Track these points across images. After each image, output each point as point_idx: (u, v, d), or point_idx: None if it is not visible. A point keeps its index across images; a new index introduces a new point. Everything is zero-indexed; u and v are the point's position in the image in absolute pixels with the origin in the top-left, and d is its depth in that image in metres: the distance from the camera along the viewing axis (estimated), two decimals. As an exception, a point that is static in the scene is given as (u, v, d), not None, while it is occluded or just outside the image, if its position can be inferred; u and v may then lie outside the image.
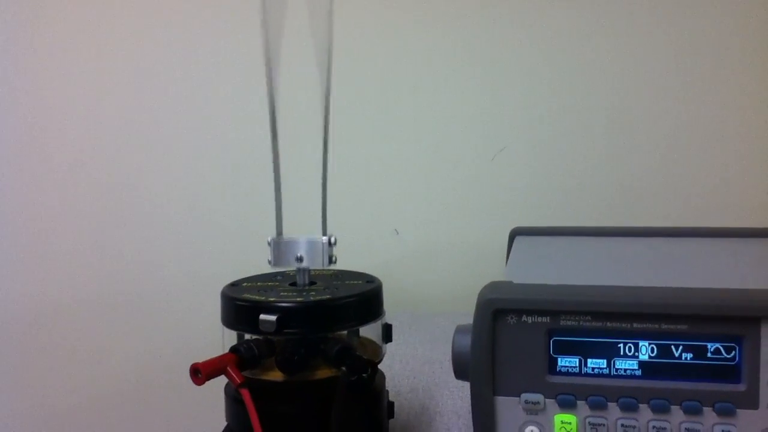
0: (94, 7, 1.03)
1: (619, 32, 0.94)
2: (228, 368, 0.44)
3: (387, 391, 0.53)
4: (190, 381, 0.43)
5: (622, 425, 0.42)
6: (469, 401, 0.44)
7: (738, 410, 0.41)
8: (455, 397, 0.64)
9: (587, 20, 0.94)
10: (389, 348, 0.60)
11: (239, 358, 0.44)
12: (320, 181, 0.50)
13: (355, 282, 0.51)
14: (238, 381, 0.43)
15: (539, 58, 0.96)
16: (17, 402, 1.08)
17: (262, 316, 0.44)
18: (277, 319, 0.44)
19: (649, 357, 0.43)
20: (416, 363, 0.74)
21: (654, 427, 0.41)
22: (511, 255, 0.62)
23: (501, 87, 0.97)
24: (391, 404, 0.54)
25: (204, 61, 1.02)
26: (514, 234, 0.72)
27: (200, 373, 0.42)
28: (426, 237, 1.00)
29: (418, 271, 1.00)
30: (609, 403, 0.42)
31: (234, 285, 0.51)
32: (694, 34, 0.93)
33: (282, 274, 0.54)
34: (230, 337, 0.48)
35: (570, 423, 0.43)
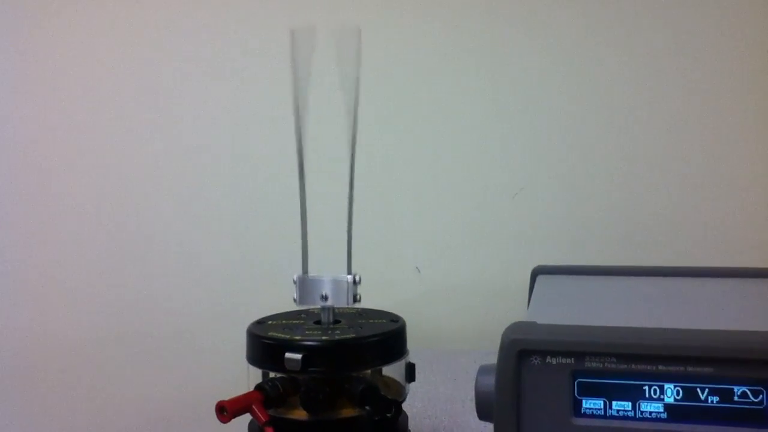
0: (96, 11, 1.05)
1: (653, 69, 0.94)
2: (253, 406, 0.44)
3: (410, 431, 0.53)
4: (213, 418, 0.44)
5: (648, 469, 0.41)
6: (492, 443, 0.44)
7: (767, 455, 0.40)
8: (477, 438, 0.63)
9: (617, 60, 0.95)
10: (410, 387, 0.60)
11: (265, 396, 0.45)
12: (346, 219, 0.50)
13: (380, 321, 0.51)
14: (264, 419, 0.44)
15: (562, 96, 0.96)
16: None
17: (288, 355, 0.45)
18: (302, 357, 0.44)
19: (675, 400, 0.42)
20: (438, 402, 0.73)
21: (680, 471, 0.41)
22: (533, 294, 0.62)
23: (521, 124, 0.98)
24: (413, 444, 0.54)
25: (232, 96, 1.04)
26: (536, 273, 0.72)
27: (226, 411, 0.43)
28: (447, 275, 1.00)
29: (439, 309, 1.00)
30: (635, 447, 0.42)
31: (260, 323, 0.51)
32: (724, 72, 0.93)
33: (306, 312, 0.54)
34: (255, 375, 0.48)
35: (595, 467, 0.42)
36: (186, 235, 1.05)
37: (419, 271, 1.00)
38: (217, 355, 1.01)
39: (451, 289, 0.99)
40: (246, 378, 0.48)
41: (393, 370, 0.51)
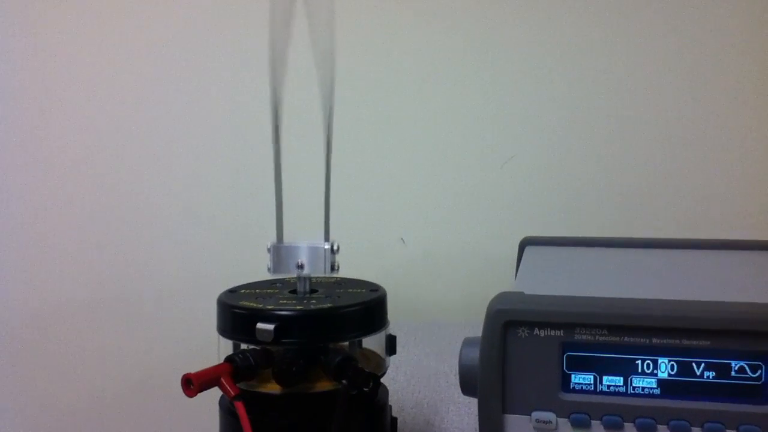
0: (95, 8, 1.01)
1: (634, 41, 0.92)
2: (222, 379, 0.41)
3: (390, 405, 0.51)
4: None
5: (640, 447, 0.39)
6: (476, 418, 0.42)
7: (764, 433, 0.38)
8: (461, 414, 0.61)
9: (599, 28, 0.92)
10: (393, 360, 0.57)
11: (234, 369, 0.42)
12: (323, 184, 0.47)
13: (359, 290, 0.48)
14: (233, 393, 0.41)
15: (550, 64, 0.94)
16: (13, 402, 1.06)
17: (260, 325, 0.42)
18: (275, 328, 0.42)
19: (669, 375, 0.40)
20: (421, 376, 0.71)
21: (674, 450, 0.39)
22: (521, 265, 0.59)
23: (511, 93, 0.95)
24: (394, 420, 0.51)
25: (205, 60, 1.00)
26: (525, 244, 0.70)
27: (192, 384, 0.40)
28: (433, 245, 0.97)
29: (425, 281, 0.97)
30: (626, 424, 0.40)
31: (232, 292, 0.48)
32: (716, 46, 0.91)
33: (282, 281, 0.51)
34: (226, 347, 0.46)
35: (584, 444, 0.40)
36: (159, 198, 1.02)
37: (404, 242, 0.98)
38: (195, 324, 0.98)
39: (437, 260, 0.97)
40: (216, 350, 0.46)
41: (373, 343, 0.49)
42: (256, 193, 0.97)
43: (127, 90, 1.02)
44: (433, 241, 0.97)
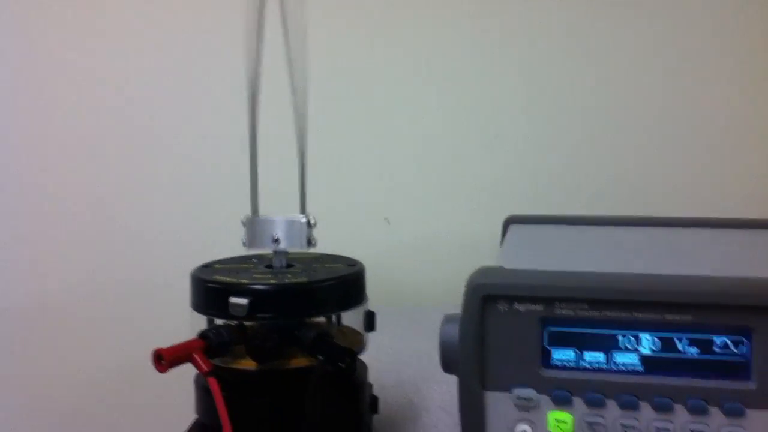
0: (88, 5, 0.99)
1: (616, 19, 0.91)
2: (194, 355, 0.40)
3: (370, 384, 0.50)
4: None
5: (622, 425, 0.38)
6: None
7: (747, 410, 0.37)
8: (443, 392, 0.60)
9: (584, 7, 0.91)
10: (377, 341, 0.56)
11: (207, 345, 0.41)
12: (298, 155, 0.46)
13: (336, 265, 0.47)
14: (206, 369, 0.40)
15: (535, 43, 0.92)
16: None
17: (233, 299, 0.41)
18: (248, 302, 0.41)
19: (651, 351, 0.39)
20: (404, 355, 0.70)
21: (656, 427, 0.38)
22: (504, 242, 0.58)
23: (495, 73, 0.94)
24: (374, 399, 0.50)
25: (179, 35, 0.98)
26: (509, 222, 0.69)
27: (163, 359, 0.39)
28: (418, 226, 0.96)
29: (410, 261, 0.96)
30: (607, 401, 0.39)
31: (206, 267, 0.47)
32: (689, 20, 0.90)
33: (259, 256, 0.50)
34: (200, 323, 0.45)
35: (565, 422, 0.39)
36: (144, 175, 1.00)
37: (389, 222, 0.97)
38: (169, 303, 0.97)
39: (423, 240, 0.96)
40: (190, 326, 0.45)
41: (351, 319, 0.48)
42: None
43: (108, 77, 1.00)
44: (419, 221, 0.96)
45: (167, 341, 0.41)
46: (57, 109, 1.01)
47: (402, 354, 0.71)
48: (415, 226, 0.96)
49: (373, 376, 0.51)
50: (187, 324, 0.46)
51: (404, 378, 0.64)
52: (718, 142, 0.90)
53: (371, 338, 0.49)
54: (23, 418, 1.05)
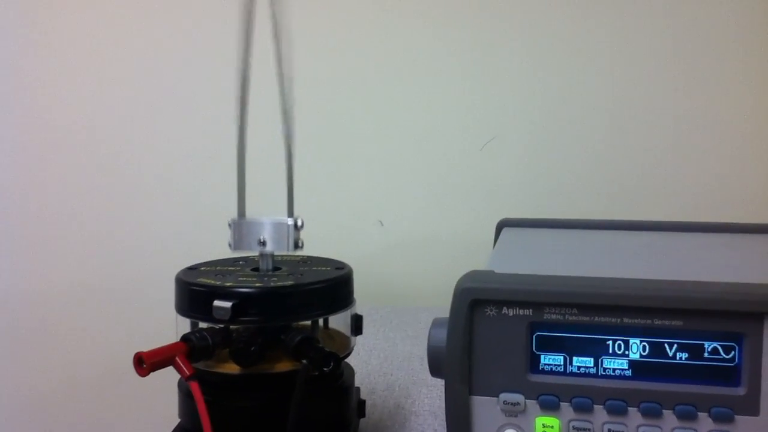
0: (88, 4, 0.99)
1: (615, 22, 0.90)
2: (177, 358, 0.39)
3: (358, 388, 0.50)
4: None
5: (610, 430, 0.38)
6: (445, 401, 0.40)
7: (737, 416, 0.37)
8: (433, 396, 0.60)
9: (583, 9, 0.91)
10: (367, 343, 0.56)
11: (190, 348, 0.40)
12: (285, 156, 0.45)
13: (323, 268, 0.47)
14: (188, 373, 0.39)
15: (532, 45, 0.92)
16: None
17: (217, 303, 0.40)
18: (232, 305, 0.40)
19: (640, 356, 0.39)
20: (395, 359, 0.70)
21: (644, 432, 0.37)
22: (496, 246, 0.58)
23: (491, 75, 0.93)
24: (362, 402, 0.50)
25: (169, 38, 0.98)
26: (501, 225, 0.68)
27: (144, 362, 0.38)
28: (411, 228, 0.96)
29: (402, 264, 0.96)
30: (595, 406, 0.38)
31: (191, 269, 0.47)
32: (692, 25, 0.89)
33: (246, 259, 0.50)
34: (184, 326, 0.44)
35: (552, 427, 0.39)
36: (134, 179, 0.99)
37: (382, 225, 0.96)
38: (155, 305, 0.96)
39: (415, 242, 0.95)
40: (174, 330, 0.44)
41: (339, 322, 0.47)
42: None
43: (98, 77, 0.99)
44: (411, 224, 0.96)
45: (154, 344, 0.40)
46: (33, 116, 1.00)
47: (393, 357, 0.70)
48: (408, 228, 0.96)
49: (362, 380, 0.50)
50: (173, 327, 0.45)
51: (393, 381, 0.64)
52: (710, 146, 0.90)
53: (362, 340, 0.49)
54: (10, 419, 1.04)
